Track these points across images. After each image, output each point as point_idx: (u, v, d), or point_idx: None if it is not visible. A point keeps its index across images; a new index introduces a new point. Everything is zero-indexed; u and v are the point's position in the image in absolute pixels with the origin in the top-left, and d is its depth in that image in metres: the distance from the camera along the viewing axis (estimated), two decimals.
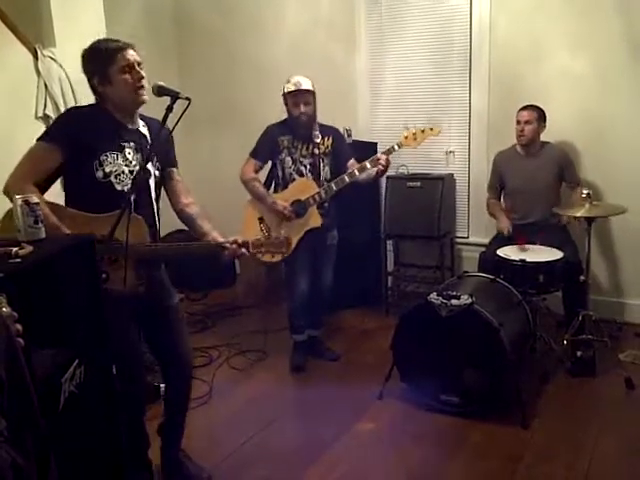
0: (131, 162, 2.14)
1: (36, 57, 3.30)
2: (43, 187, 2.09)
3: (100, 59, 2.07)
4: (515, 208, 3.73)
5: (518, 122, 3.61)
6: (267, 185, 3.46)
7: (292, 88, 3.25)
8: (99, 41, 2.13)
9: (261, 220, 3.34)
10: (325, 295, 3.53)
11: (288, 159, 3.34)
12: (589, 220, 3.11)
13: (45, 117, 3.32)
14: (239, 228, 3.28)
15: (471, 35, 4.04)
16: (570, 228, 3.65)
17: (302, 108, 3.26)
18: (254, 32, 4.74)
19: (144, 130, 2.21)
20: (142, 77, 2.09)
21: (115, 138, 2.11)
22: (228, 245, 2.14)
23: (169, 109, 2.02)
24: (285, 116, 3.38)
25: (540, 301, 3.33)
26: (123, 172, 2.11)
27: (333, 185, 3.24)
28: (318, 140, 3.34)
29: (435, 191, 4.04)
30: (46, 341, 1.49)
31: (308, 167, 3.34)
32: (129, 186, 2.09)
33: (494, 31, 3.97)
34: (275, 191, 3.43)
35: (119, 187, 2.10)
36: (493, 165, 3.86)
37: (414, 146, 3.21)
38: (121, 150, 2.12)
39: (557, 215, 3.49)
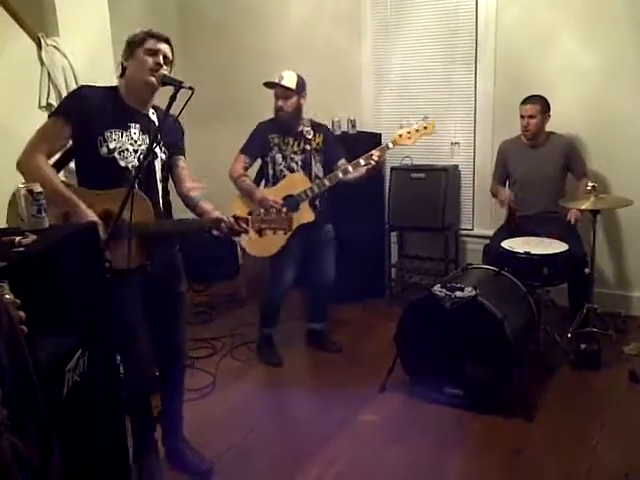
0: (136, 142, 2.16)
1: (40, 46, 3.28)
2: (57, 167, 2.16)
3: (135, 39, 2.14)
4: (520, 198, 3.70)
5: (522, 116, 3.58)
6: (257, 182, 3.44)
7: (268, 80, 3.25)
8: (146, 29, 2.19)
9: (250, 213, 3.24)
10: (328, 289, 3.53)
11: (279, 156, 3.33)
12: (594, 213, 3.09)
13: (48, 106, 3.31)
14: None
15: (477, 25, 4.01)
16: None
17: (279, 102, 3.25)
18: (258, 22, 4.72)
19: (153, 117, 2.24)
20: (161, 66, 2.11)
21: (121, 117, 2.14)
22: (226, 218, 2.15)
23: (172, 98, 2.04)
24: None
25: (544, 294, 3.32)
26: (127, 149, 2.13)
27: (326, 181, 3.23)
28: (310, 136, 3.34)
29: (439, 183, 4.02)
30: (50, 330, 1.49)
31: (299, 163, 3.33)
32: (133, 163, 2.13)
33: (500, 21, 3.94)
34: (268, 186, 3.41)
35: (122, 163, 2.12)
36: (498, 154, 3.84)
37: (408, 143, 3.20)
38: (126, 129, 2.14)
39: (562, 207, 3.46)
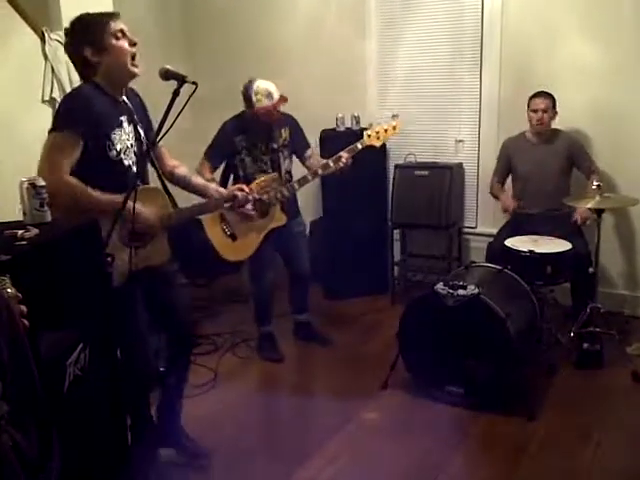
0: (129, 135, 2.14)
1: (43, 40, 3.29)
2: None
3: (92, 28, 2.04)
4: (523, 195, 3.69)
5: (535, 111, 3.54)
6: (222, 184, 3.25)
7: (257, 105, 3.11)
8: (83, 14, 2.10)
9: (222, 218, 3.21)
10: (304, 281, 3.55)
11: (248, 159, 3.27)
12: (599, 212, 3.07)
13: (52, 100, 3.32)
14: None
15: (482, 22, 3.99)
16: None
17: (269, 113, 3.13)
18: (263, 16, 4.70)
19: (126, 100, 2.18)
20: (135, 43, 2.08)
21: (114, 114, 2.10)
22: (238, 193, 2.28)
23: (176, 93, 2.02)
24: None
25: (548, 292, 3.31)
26: (127, 147, 2.12)
27: (295, 185, 3.20)
28: (276, 134, 3.29)
29: (443, 180, 4.01)
30: (51, 324, 1.49)
31: (269, 164, 3.30)
32: (133, 159, 2.12)
33: (506, 18, 3.92)
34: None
35: (127, 162, 2.11)
36: (501, 150, 3.81)
37: (377, 144, 3.16)
38: (120, 125, 2.11)
39: (567, 205, 3.45)
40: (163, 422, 2.48)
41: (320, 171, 3.16)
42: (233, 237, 3.23)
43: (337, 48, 4.41)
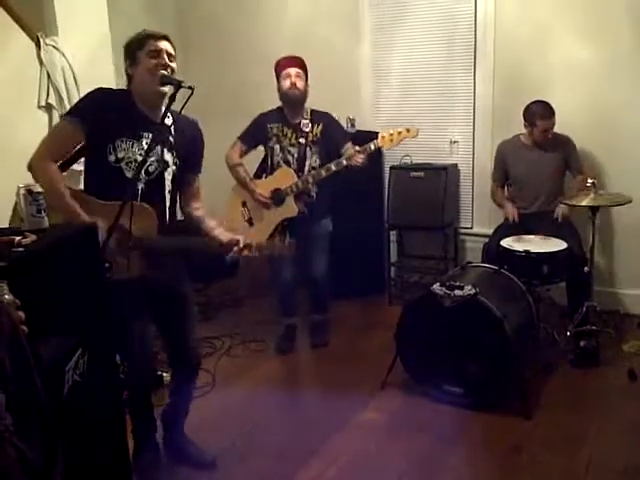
0: (143, 151, 2.09)
1: (38, 46, 3.28)
2: (66, 166, 2.15)
3: (135, 43, 2.11)
4: (519, 197, 3.71)
5: (545, 130, 3.49)
6: (259, 173, 3.50)
7: (285, 55, 3.32)
8: (141, 31, 2.16)
9: (244, 204, 3.44)
10: (320, 283, 3.55)
11: (277, 147, 3.39)
12: (593, 210, 3.09)
13: (47, 106, 3.31)
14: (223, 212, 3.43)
15: (476, 24, 4.01)
16: (573, 218, 3.62)
17: (293, 79, 3.27)
18: (257, 21, 4.71)
19: (169, 123, 2.17)
20: (167, 65, 2.08)
21: (134, 126, 2.10)
22: (235, 245, 2.17)
23: (172, 98, 2.03)
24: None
25: (544, 292, 3.33)
26: (135, 160, 2.08)
27: (309, 177, 3.28)
28: (307, 129, 3.35)
29: (439, 181, 4.02)
30: (49, 330, 1.49)
31: (295, 156, 3.36)
32: (141, 175, 2.09)
33: (499, 20, 3.94)
34: (264, 176, 3.47)
35: (129, 174, 2.08)
36: (497, 155, 3.82)
37: (389, 147, 3.20)
38: (138, 139, 2.10)
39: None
40: (169, 440, 2.50)
41: (334, 167, 3.21)
42: (250, 222, 3.42)
43: (331, 51, 4.42)
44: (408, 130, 3.16)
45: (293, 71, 3.30)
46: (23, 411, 0.90)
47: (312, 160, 3.38)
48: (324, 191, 3.40)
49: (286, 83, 3.30)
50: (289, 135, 3.36)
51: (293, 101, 3.32)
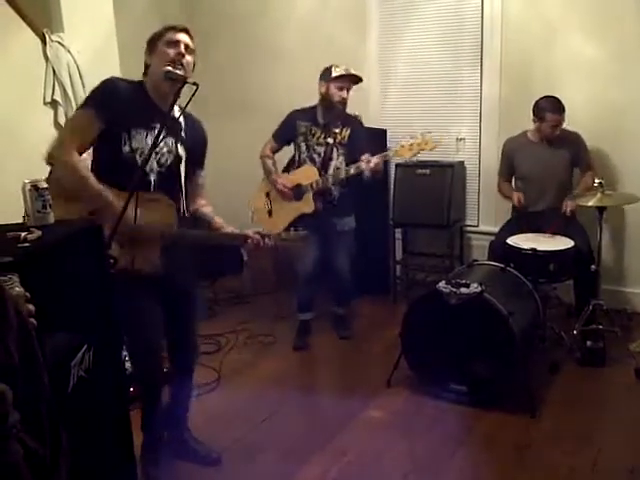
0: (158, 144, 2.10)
1: (44, 42, 3.29)
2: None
3: (156, 34, 2.13)
4: (527, 195, 3.68)
5: (554, 126, 3.46)
6: (289, 168, 3.60)
7: (342, 72, 3.33)
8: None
9: (267, 195, 3.55)
10: (342, 279, 3.61)
11: (303, 145, 3.46)
12: (600, 209, 3.07)
13: (53, 102, 3.32)
14: (245, 214, 3.51)
15: (483, 21, 3.99)
16: (580, 217, 3.60)
17: (345, 93, 3.34)
18: (263, 19, 4.70)
19: (179, 117, 2.17)
20: (183, 55, 2.08)
21: (147, 117, 2.10)
22: (252, 235, 2.18)
23: (177, 94, 2.02)
24: (308, 103, 3.47)
25: (550, 290, 3.31)
26: (147, 151, 2.07)
27: (329, 178, 3.36)
28: (337, 130, 3.40)
29: (445, 179, 4.01)
30: (55, 326, 1.49)
31: (321, 155, 3.42)
32: (153, 166, 2.10)
33: (506, 16, 3.91)
34: (288, 171, 3.57)
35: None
36: (503, 152, 3.80)
37: (407, 157, 3.26)
38: (151, 130, 2.09)
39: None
40: (174, 437, 2.51)
41: (352, 170, 3.28)
42: (269, 213, 3.53)
43: (338, 49, 4.39)
44: (427, 143, 3.21)
45: (348, 86, 3.36)
46: (32, 407, 0.89)
47: (338, 161, 3.43)
48: (349, 190, 3.47)
49: (339, 95, 3.33)
50: (317, 134, 3.43)
51: (334, 110, 3.38)
